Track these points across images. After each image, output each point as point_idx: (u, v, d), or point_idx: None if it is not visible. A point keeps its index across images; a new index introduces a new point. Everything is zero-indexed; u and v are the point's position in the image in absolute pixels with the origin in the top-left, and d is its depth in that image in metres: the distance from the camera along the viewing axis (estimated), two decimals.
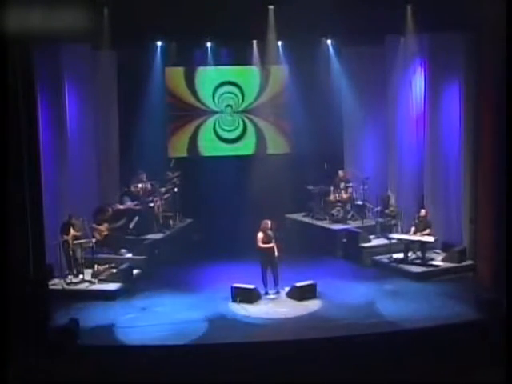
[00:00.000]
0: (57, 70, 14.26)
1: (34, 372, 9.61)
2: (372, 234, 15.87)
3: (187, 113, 18.02)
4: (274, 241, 12.98)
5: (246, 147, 18.37)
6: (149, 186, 16.38)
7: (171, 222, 16.59)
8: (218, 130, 18.26)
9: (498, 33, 11.55)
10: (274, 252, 12.95)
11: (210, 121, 18.13)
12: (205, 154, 18.18)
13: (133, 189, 16.24)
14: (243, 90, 18.13)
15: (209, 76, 17.90)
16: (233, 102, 18.18)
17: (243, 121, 18.31)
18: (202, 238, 16.94)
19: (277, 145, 18.40)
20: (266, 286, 13.07)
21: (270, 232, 13.01)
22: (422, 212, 14.81)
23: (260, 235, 13.01)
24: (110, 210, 15.32)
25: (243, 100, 18.16)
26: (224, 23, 14.58)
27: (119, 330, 11.37)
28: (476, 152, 14.00)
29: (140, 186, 16.29)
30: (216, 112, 18.14)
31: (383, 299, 12.72)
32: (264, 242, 12.98)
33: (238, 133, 18.35)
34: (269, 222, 13.10)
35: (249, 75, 18.06)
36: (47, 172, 13.11)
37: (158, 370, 9.87)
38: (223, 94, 18.09)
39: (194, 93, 17.97)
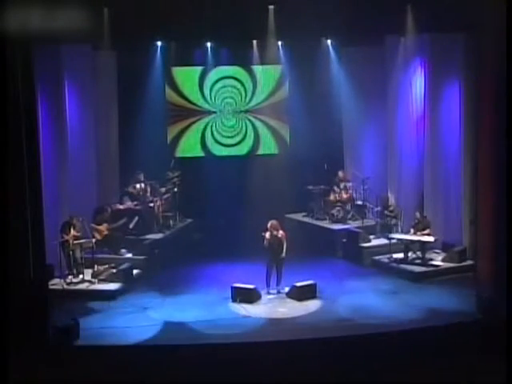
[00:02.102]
0: (57, 70, 14.26)
1: (34, 372, 9.62)
2: (372, 234, 15.87)
3: (187, 113, 18.02)
4: (281, 241, 12.96)
5: (248, 149, 18.43)
6: (147, 186, 16.38)
7: (171, 221, 16.58)
8: (211, 144, 18.21)
9: (498, 33, 11.55)
10: (281, 252, 12.95)
11: (204, 124, 18.12)
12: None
13: (131, 189, 16.25)
14: (244, 89, 18.12)
15: (209, 75, 17.90)
16: (234, 99, 18.15)
17: (252, 123, 18.24)
18: (202, 237, 16.94)
19: (277, 145, 18.41)
20: (268, 285, 13.07)
21: (276, 232, 12.99)
22: (421, 212, 14.81)
23: (267, 235, 13.00)
24: (110, 210, 15.33)
25: (245, 100, 18.14)
26: (224, 23, 14.61)
27: (119, 330, 11.35)
28: (476, 152, 13.97)
29: (138, 186, 16.29)
30: (219, 112, 18.16)
31: (383, 299, 12.72)
32: (271, 242, 12.98)
33: (246, 148, 18.34)
34: (275, 222, 13.08)
35: (249, 75, 18.05)
36: (47, 172, 13.10)
37: (158, 370, 9.88)
38: (222, 89, 18.06)
39: (193, 93, 17.95)
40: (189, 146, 18.13)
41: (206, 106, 18.07)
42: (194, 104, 17.98)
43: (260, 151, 18.34)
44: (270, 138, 18.39)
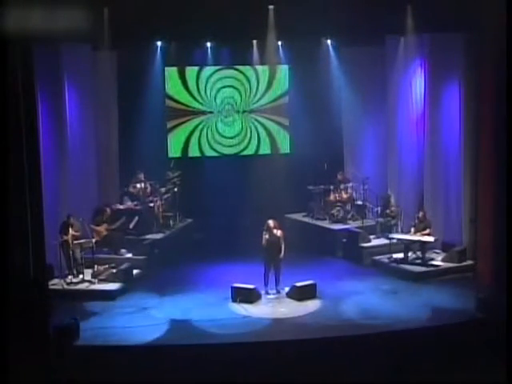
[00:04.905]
0: (57, 70, 14.27)
1: (34, 372, 9.62)
2: (372, 234, 15.87)
3: (186, 113, 18.03)
4: (279, 240, 12.95)
5: (247, 149, 18.42)
6: (147, 185, 16.39)
7: (171, 221, 16.57)
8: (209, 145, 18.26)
9: (498, 33, 11.55)
10: (279, 251, 12.94)
11: (201, 123, 18.14)
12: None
13: (131, 189, 16.26)
14: (243, 89, 18.12)
15: (209, 75, 17.90)
16: (234, 99, 18.13)
17: (252, 124, 18.22)
18: (202, 237, 16.93)
19: (277, 145, 18.41)
20: (266, 285, 13.07)
21: (275, 231, 12.99)
22: (422, 212, 14.82)
23: (265, 235, 12.97)
24: (110, 210, 15.31)
25: (244, 100, 18.14)
26: (224, 23, 14.60)
27: (119, 330, 11.35)
28: (476, 152, 14.00)
29: (138, 185, 16.29)
30: (217, 112, 18.16)
31: (383, 299, 12.72)
32: (269, 242, 12.96)
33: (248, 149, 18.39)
34: (273, 221, 13.07)
35: (249, 75, 18.05)
36: (47, 172, 13.10)
37: (158, 370, 9.89)
38: (222, 89, 18.02)
39: (193, 93, 17.95)
40: (195, 146, 18.19)
41: (204, 107, 18.05)
42: (192, 104, 17.96)
43: (260, 151, 18.35)
44: (269, 138, 18.38)
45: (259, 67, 17.80)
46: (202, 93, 17.97)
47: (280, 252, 12.93)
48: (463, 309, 11.89)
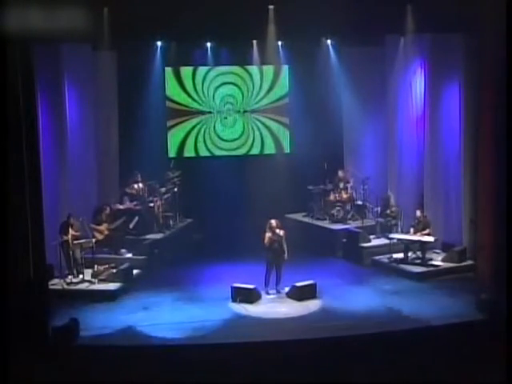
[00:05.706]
0: (57, 70, 14.28)
1: (33, 372, 9.62)
2: (372, 234, 15.87)
3: (185, 113, 18.02)
4: (282, 240, 12.92)
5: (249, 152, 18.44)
6: (145, 186, 16.37)
7: (171, 222, 16.58)
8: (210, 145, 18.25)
9: (498, 33, 11.55)
10: (282, 252, 12.91)
11: (207, 122, 18.13)
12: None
13: (129, 189, 16.24)
14: (243, 89, 18.11)
15: (209, 75, 17.90)
16: (235, 99, 18.13)
17: (252, 124, 18.22)
18: (202, 237, 16.93)
19: (280, 145, 18.40)
20: (267, 285, 13.06)
21: (277, 231, 12.96)
22: (419, 212, 14.81)
23: (268, 235, 12.96)
24: (110, 210, 15.31)
25: (244, 100, 18.13)
26: (224, 23, 14.61)
27: (119, 330, 11.36)
28: (476, 152, 14.00)
29: (136, 186, 16.29)
30: (216, 112, 18.16)
31: (383, 299, 12.72)
32: (272, 241, 12.94)
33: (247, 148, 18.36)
34: (275, 221, 13.05)
35: (249, 75, 18.04)
36: (47, 172, 13.11)
37: (158, 369, 9.87)
38: (221, 89, 18.01)
39: (193, 93, 17.95)
40: (190, 146, 18.17)
41: (203, 107, 18.03)
42: (190, 105, 17.94)
43: (261, 151, 18.34)
44: (272, 138, 18.37)
45: (259, 67, 17.76)
46: (200, 92, 17.96)
47: (283, 252, 12.91)
48: (463, 309, 11.89)
